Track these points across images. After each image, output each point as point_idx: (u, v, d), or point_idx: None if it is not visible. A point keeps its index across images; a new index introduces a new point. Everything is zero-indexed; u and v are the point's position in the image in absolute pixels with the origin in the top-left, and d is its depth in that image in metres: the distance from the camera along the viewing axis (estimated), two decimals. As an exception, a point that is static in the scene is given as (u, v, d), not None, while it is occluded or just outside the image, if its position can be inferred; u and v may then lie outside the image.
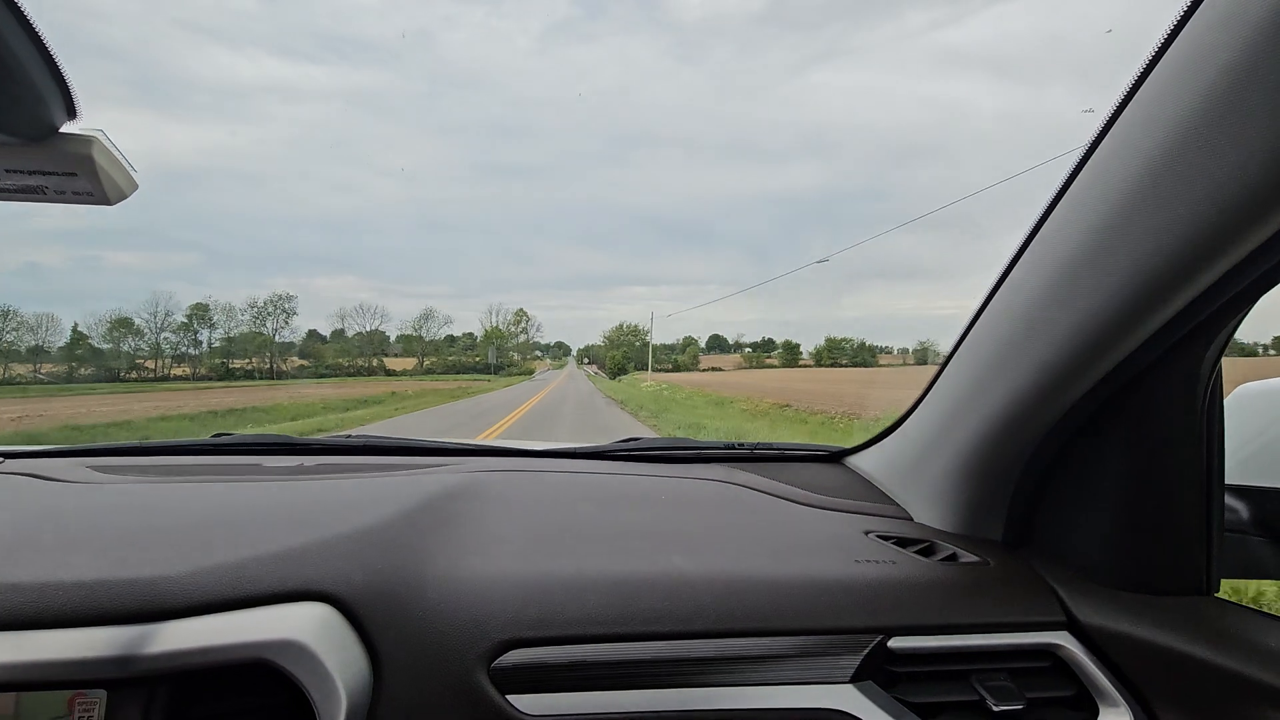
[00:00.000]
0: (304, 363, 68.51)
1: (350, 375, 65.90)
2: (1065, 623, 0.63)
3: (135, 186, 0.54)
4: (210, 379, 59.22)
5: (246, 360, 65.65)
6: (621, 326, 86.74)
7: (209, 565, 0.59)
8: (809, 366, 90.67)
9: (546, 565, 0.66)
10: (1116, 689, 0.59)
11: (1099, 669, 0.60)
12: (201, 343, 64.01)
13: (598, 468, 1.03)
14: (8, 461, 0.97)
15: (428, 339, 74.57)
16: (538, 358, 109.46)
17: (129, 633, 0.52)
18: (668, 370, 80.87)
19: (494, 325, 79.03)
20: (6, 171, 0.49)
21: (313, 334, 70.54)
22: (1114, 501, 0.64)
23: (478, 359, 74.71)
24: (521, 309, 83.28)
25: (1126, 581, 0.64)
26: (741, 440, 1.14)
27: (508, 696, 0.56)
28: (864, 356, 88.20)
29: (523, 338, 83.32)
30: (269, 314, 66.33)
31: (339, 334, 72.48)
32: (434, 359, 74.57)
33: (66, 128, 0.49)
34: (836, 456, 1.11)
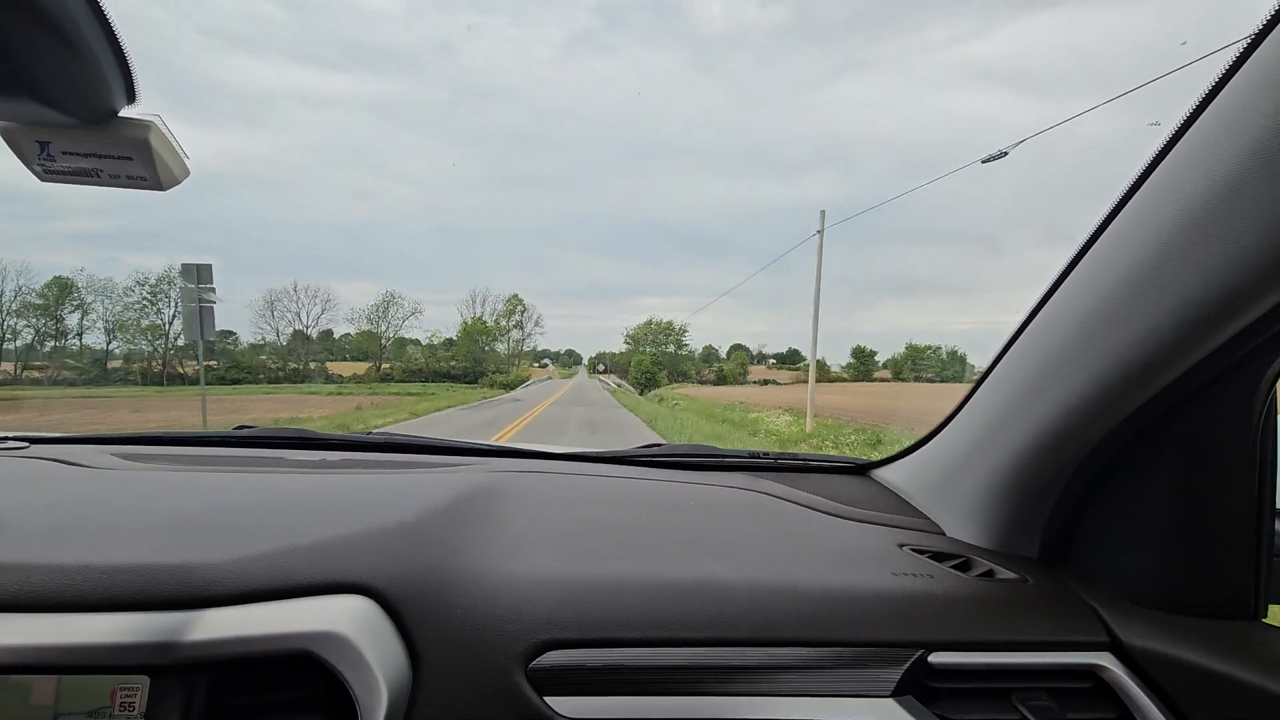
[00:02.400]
0: (211, 364, 48.96)
1: (272, 383, 46.09)
2: (1108, 644, 0.61)
3: (187, 173, 0.53)
4: (71, 384, 40.00)
5: (139, 362, 46.34)
6: (650, 323, 65.19)
7: (251, 555, 0.58)
8: (885, 380, 71.09)
9: (582, 567, 0.65)
10: (1161, 712, 0.57)
11: (1143, 692, 0.58)
12: (69, 332, 44.80)
13: (621, 473, 1.00)
14: (33, 447, 0.96)
15: (390, 335, 54.41)
16: (542, 365, 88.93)
17: (172, 619, 0.51)
18: (712, 383, 60.07)
19: (476, 316, 58.20)
20: (64, 154, 0.49)
21: (298, 334, 52.36)
22: (1159, 521, 0.62)
23: (454, 363, 54.25)
24: (516, 295, 61.98)
25: (1171, 603, 0.62)
26: (765, 450, 1.14)
27: (545, 698, 0.55)
28: (957, 369, 68.26)
29: (516, 335, 61.94)
30: (162, 294, 46.52)
31: (327, 335, 53.30)
32: (395, 363, 54.17)
33: (125, 112, 0.48)
34: (862, 469, 1.09)
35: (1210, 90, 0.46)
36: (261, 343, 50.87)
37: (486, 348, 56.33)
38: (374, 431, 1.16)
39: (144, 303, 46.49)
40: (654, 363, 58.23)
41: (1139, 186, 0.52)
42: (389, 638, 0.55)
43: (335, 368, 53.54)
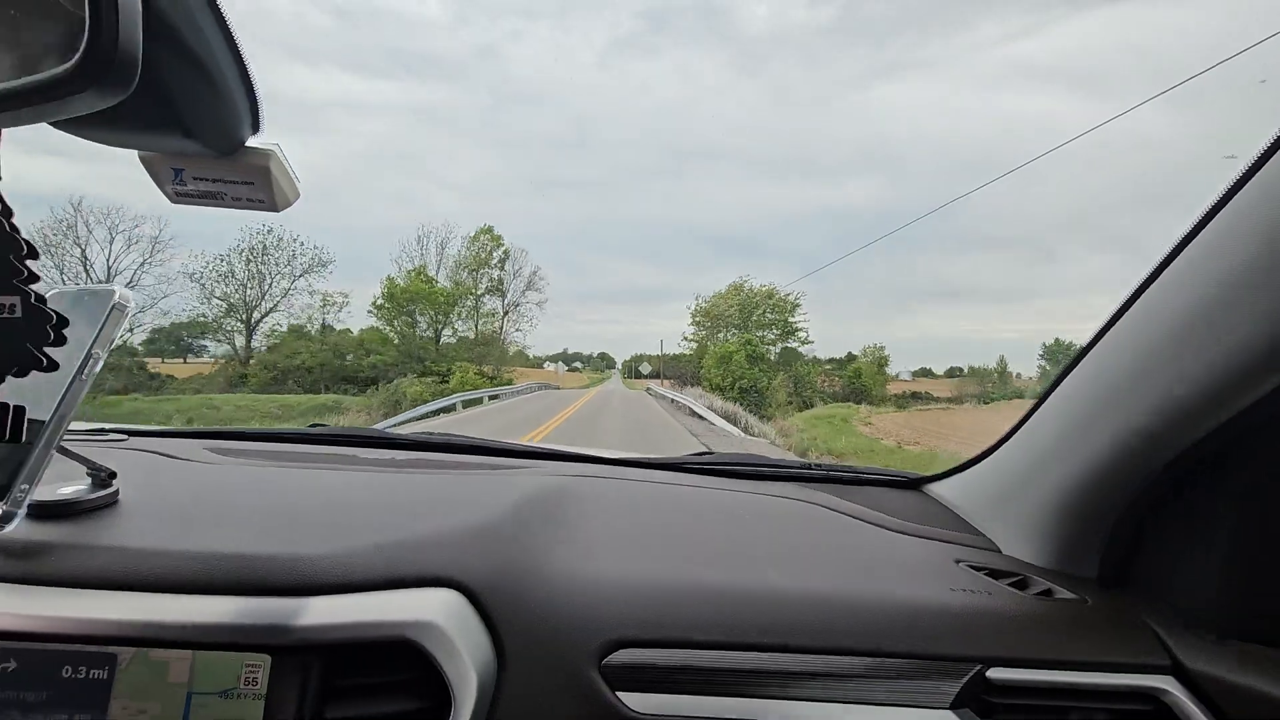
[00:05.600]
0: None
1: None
2: (1170, 667, 0.61)
3: (299, 195, 0.57)
4: None
5: None
6: (740, 289, 36.05)
7: (357, 547, 0.63)
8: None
9: (651, 571, 0.68)
10: None
11: (1206, 717, 0.58)
12: None
13: (675, 479, 1.04)
14: (131, 439, 1.01)
15: (264, 306, 29.55)
16: (568, 367, 62.66)
17: (289, 604, 0.56)
18: (840, 398, 32.94)
19: (415, 270, 31.48)
20: (194, 179, 0.54)
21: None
22: (1226, 546, 0.61)
23: (380, 359, 28.94)
24: (489, 228, 34.50)
25: (1237, 630, 0.61)
26: (817, 460, 1.15)
27: (617, 693, 0.58)
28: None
29: (489, 304, 35.04)
30: None
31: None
32: (273, 356, 29.08)
33: (250, 141, 0.52)
34: (915, 484, 1.10)
35: None
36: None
37: (440, 322, 29.89)
38: (436, 433, 1.27)
39: None
40: (750, 357, 30.18)
41: (1216, 212, 0.52)
42: (477, 629, 0.59)
43: (178, 370, 29.19)
